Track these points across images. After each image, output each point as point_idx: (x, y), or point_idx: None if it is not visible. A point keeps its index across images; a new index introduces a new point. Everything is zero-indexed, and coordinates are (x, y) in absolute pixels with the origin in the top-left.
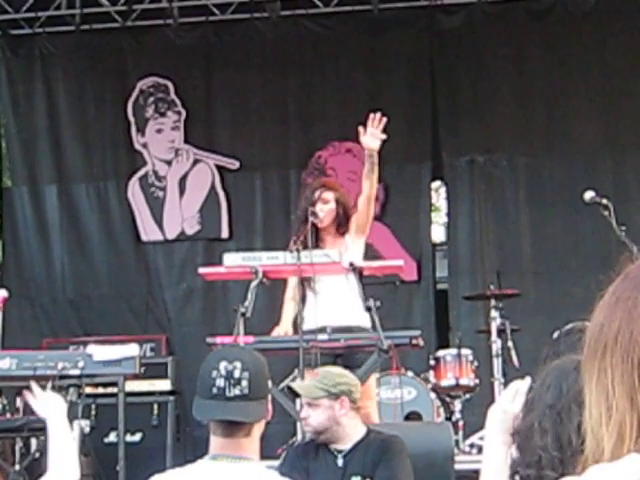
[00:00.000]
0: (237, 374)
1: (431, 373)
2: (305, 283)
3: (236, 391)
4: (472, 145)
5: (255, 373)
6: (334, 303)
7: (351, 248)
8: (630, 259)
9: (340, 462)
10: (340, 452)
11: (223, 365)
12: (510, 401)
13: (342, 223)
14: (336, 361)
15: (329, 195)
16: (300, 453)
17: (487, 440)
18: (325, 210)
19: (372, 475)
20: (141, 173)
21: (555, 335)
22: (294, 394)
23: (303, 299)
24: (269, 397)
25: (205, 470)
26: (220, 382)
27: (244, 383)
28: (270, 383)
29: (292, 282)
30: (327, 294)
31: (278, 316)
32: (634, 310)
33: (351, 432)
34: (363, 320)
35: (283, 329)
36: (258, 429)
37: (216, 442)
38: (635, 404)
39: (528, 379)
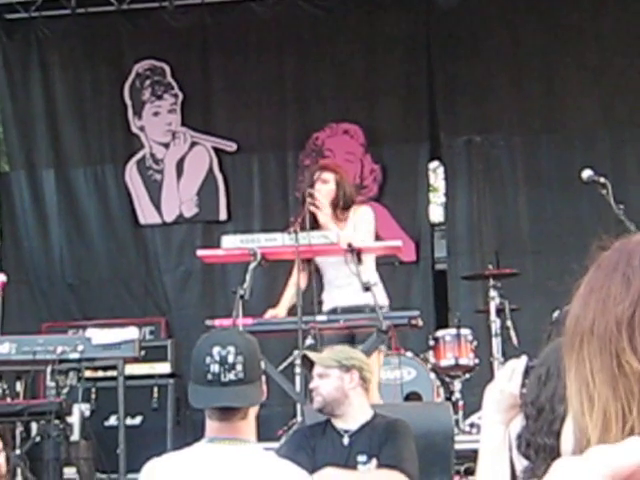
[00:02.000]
0: (231, 359)
1: (430, 353)
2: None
3: (231, 376)
4: (469, 125)
5: (249, 356)
6: (338, 286)
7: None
8: (602, 247)
9: (346, 441)
10: (347, 432)
11: (216, 350)
12: (507, 380)
13: (341, 206)
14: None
15: (329, 176)
16: (307, 433)
17: (484, 419)
18: (324, 190)
19: (378, 454)
20: (138, 156)
21: (555, 314)
22: (309, 363)
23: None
24: (263, 378)
25: (203, 453)
26: (214, 368)
27: (239, 367)
28: (265, 364)
29: (296, 266)
30: (330, 277)
31: (276, 298)
32: (607, 300)
33: (358, 411)
34: (367, 298)
35: (278, 311)
36: (253, 410)
37: (212, 426)
38: (617, 392)
39: (524, 358)
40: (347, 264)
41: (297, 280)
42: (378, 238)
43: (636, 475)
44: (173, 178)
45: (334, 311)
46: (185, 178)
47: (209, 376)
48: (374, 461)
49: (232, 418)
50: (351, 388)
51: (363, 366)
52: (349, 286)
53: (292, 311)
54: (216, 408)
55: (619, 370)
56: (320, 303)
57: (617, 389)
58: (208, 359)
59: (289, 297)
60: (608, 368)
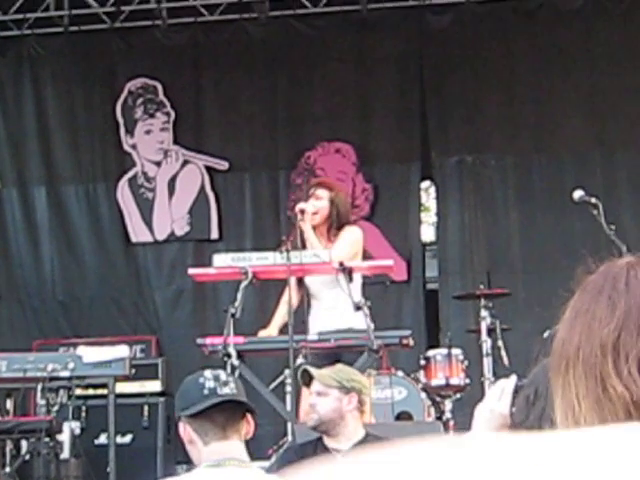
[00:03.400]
0: (224, 377)
1: (421, 373)
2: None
3: (226, 390)
4: (461, 145)
5: (238, 382)
6: (326, 308)
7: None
8: (588, 270)
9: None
10: (339, 452)
11: (208, 372)
12: (496, 400)
13: (334, 226)
14: (324, 363)
15: (323, 193)
16: (298, 451)
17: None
18: (317, 206)
19: None
20: (130, 174)
21: (546, 334)
22: (307, 378)
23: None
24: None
25: (213, 478)
26: (209, 384)
27: (232, 385)
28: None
29: (290, 284)
30: (319, 298)
31: (268, 317)
32: (593, 323)
33: (351, 431)
34: (355, 321)
35: (269, 332)
36: (244, 438)
37: (210, 449)
38: (603, 417)
39: (514, 377)
40: (338, 283)
41: (289, 299)
42: (369, 257)
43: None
44: (165, 196)
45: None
46: (177, 196)
47: (205, 391)
48: None
49: (231, 435)
50: (348, 410)
51: (362, 389)
52: (334, 309)
53: (284, 330)
54: (214, 422)
55: (604, 394)
56: (303, 323)
57: (603, 414)
58: (201, 379)
59: (281, 315)
60: (593, 393)
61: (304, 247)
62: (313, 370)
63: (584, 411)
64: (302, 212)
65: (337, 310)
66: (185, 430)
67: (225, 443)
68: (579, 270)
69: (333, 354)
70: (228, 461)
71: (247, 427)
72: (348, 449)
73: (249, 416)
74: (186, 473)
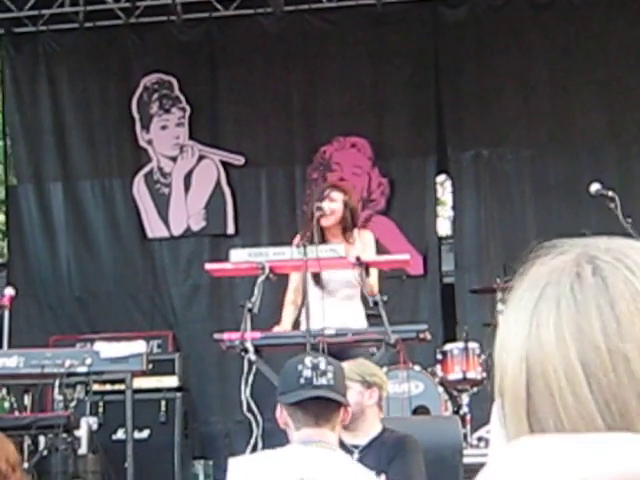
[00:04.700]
0: (323, 366)
1: (438, 367)
2: (313, 280)
3: (323, 380)
4: (477, 139)
5: (338, 370)
6: (339, 310)
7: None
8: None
9: (356, 457)
10: (356, 447)
11: (309, 359)
12: None
13: (348, 228)
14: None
15: (337, 195)
16: None
17: (493, 435)
18: (332, 208)
19: (386, 470)
20: (146, 170)
21: None
22: None
23: (304, 300)
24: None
25: (296, 453)
26: (307, 372)
27: (330, 375)
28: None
29: (292, 285)
30: (332, 300)
31: (279, 316)
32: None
33: (369, 427)
34: (361, 323)
35: (283, 328)
36: (339, 429)
37: (300, 434)
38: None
39: None
40: (354, 278)
41: (303, 294)
42: (386, 252)
43: None
44: (181, 192)
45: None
46: (193, 192)
47: (301, 380)
48: (383, 477)
49: (323, 425)
50: (369, 405)
51: (383, 385)
52: (350, 306)
53: (295, 327)
54: (307, 412)
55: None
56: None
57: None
58: (300, 366)
59: (290, 314)
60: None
61: (321, 242)
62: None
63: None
64: (320, 209)
65: (352, 306)
66: (282, 413)
67: (316, 430)
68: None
69: (343, 349)
70: (317, 443)
71: (344, 415)
72: (366, 444)
73: (345, 407)
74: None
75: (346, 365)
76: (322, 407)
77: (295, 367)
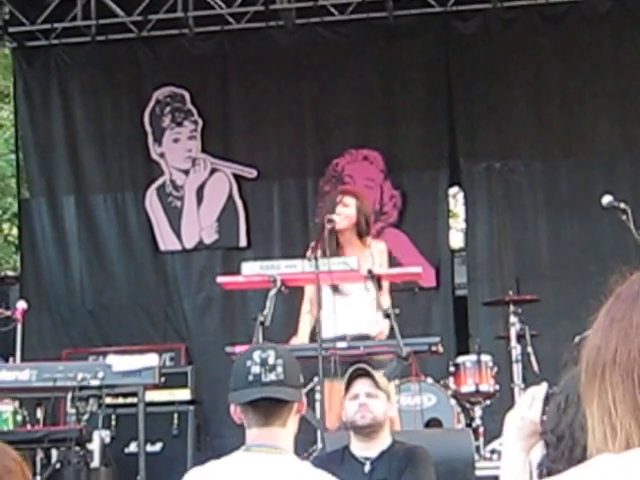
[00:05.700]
0: (271, 361)
1: (451, 379)
2: (331, 287)
3: (272, 376)
4: (489, 151)
5: (288, 360)
6: (353, 311)
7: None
8: (620, 280)
9: (367, 468)
10: (367, 459)
11: (257, 354)
12: (527, 407)
13: (362, 233)
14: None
15: (350, 201)
16: (326, 460)
17: (505, 446)
18: (344, 213)
19: None
20: (158, 183)
21: (576, 340)
22: (357, 375)
23: (320, 306)
24: (303, 391)
25: (240, 461)
26: (255, 369)
27: (279, 369)
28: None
29: (308, 295)
30: (347, 301)
31: (295, 326)
32: (630, 329)
33: (382, 438)
34: (373, 330)
35: (300, 340)
36: (293, 423)
37: (251, 433)
38: (639, 421)
39: (545, 385)
40: (366, 290)
41: (317, 306)
42: (398, 264)
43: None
44: (193, 204)
45: (343, 338)
46: (205, 204)
47: (250, 377)
48: None
49: (272, 423)
50: (387, 417)
51: (391, 399)
52: (361, 314)
53: (313, 336)
54: (255, 410)
55: None
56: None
57: (639, 418)
58: (248, 362)
59: (307, 324)
60: (631, 397)
61: (334, 254)
62: (370, 369)
63: (620, 415)
64: (331, 221)
65: (367, 315)
66: (235, 410)
67: (265, 429)
68: (612, 278)
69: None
70: (256, 447)
71: (299, 406)
72: (376, 456)
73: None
74: (225, 456)
75: (377, 375)
76: (272, 405)
77: (244, 363)
